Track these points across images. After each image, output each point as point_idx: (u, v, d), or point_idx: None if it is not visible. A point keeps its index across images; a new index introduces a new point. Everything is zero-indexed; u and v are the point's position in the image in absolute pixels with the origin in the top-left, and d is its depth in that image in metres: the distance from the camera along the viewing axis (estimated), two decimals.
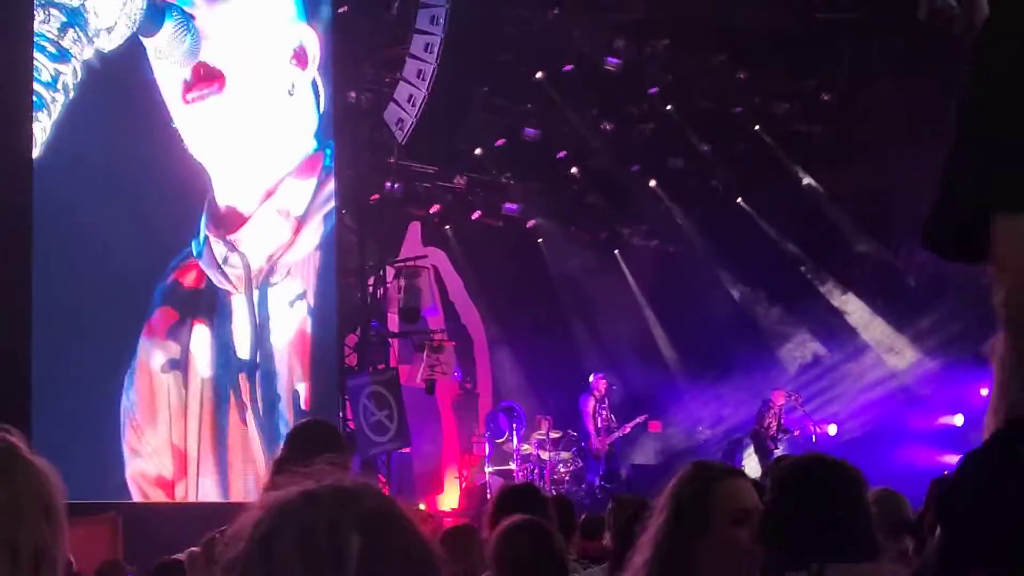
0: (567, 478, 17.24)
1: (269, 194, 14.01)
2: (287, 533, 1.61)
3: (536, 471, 17.18)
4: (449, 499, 18.36)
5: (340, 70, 15.23)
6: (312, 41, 14.57)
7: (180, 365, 12.74)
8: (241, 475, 12.96)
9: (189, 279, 13.05)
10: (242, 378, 13.36)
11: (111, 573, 8.04)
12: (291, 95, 14.35)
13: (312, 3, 14.77)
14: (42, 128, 11.82)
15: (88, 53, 12.33)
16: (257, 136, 13.91)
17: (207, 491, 12.72)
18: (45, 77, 11.92)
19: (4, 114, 11.62)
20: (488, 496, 17.27)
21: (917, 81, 17.34)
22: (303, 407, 13.96)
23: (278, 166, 14.21)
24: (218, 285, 13.34)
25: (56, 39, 12.09)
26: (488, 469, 17.59)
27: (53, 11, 12.11)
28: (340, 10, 15.41)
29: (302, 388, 14.01)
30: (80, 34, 12.30)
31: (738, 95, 20.16)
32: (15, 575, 1.92)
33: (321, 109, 14.73)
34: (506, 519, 4.81)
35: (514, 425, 17.64)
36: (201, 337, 13.00)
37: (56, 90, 12.03)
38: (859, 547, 3.30)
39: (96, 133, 12.36)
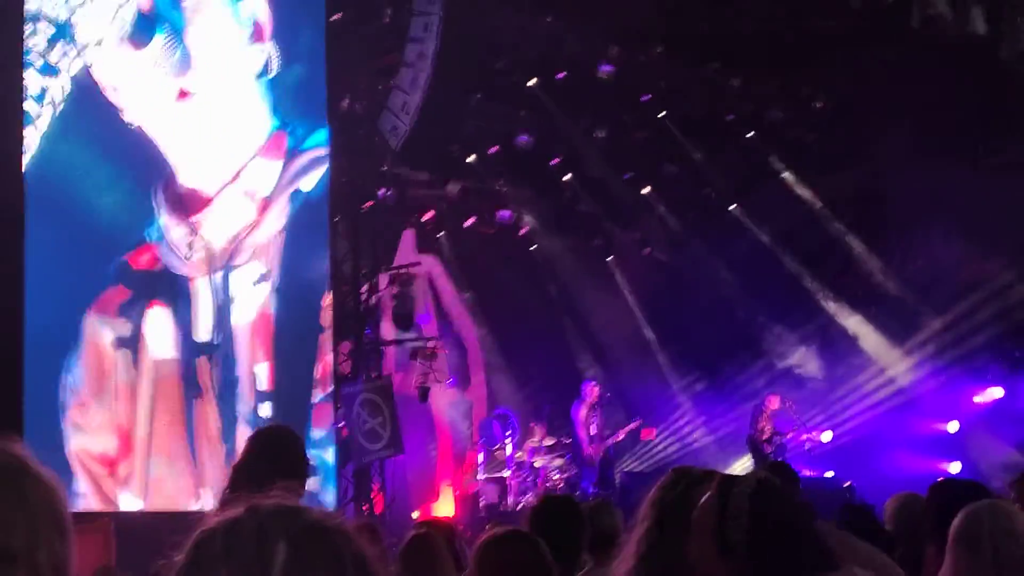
0: (561, 485, 17.23)
1: (234, 176, 13.94)
2: (217, 540, 1.67)
3: (530, 478, 17.17)
4: (444, 507, 18.33)
5: (334, 78, 15.21)
6: (263, 10, 14.44)
7: (130, 344, 12.59)
8: (199, 457, 12.92)
9: (143, 260, 12.95)
10: (202, 361, 13.27)
11: None
12: (260, 78, 14.28)
13: None
14: (29, 141, 11.80)
15: (76, 67, 12.30)
16: (222, 122, 13.84)
17: (158, 471, 12.61)
18: (33, 91, 11.91)
19: None
20: (481, 504, 17.28)
21: (911, 88, 17.37)
22: (264, 388, 13.89)
23: (242, 148, 14.13)
24: (176, 271, 13.27)
25: (43, 53, 12.08)
26: (481, 476, 17.58)
27: (40, 25, 12.09)
28: (333, 17, 15.39)
29: (262, 370, 13.94)
30: (68, 48, 12.28)
31: (731, 102, 20.18)
32: None
33: (272, 71, 14.52)
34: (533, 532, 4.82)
35: (508, 432, 17.64)
36: (156, 319, 12.89)
37: (43, 104, 12.01)
38: (824, 560, 3.26)
39: (84, 146, 12.34)
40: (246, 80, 14.18)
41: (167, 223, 13.17)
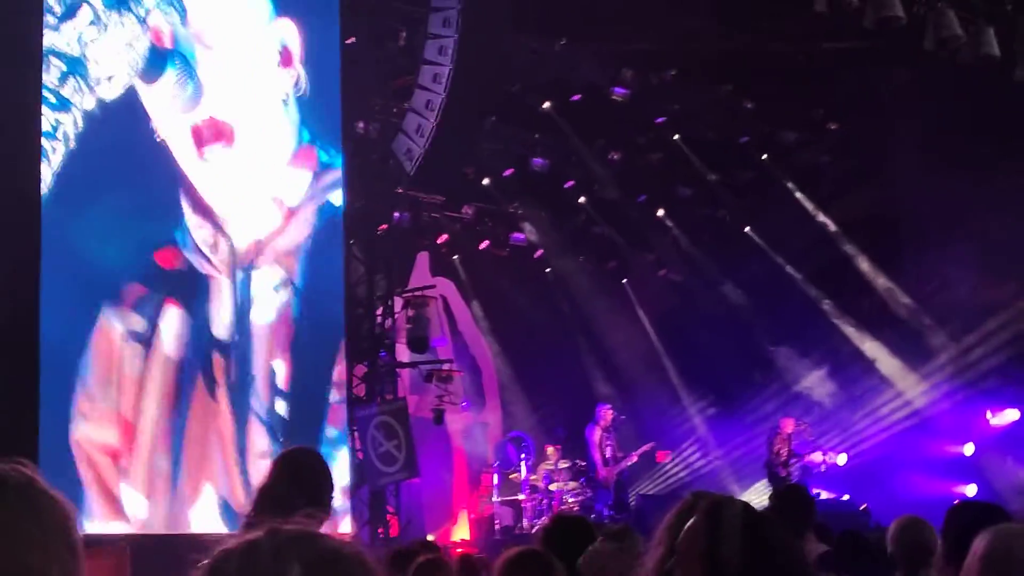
0: (576, 508, 17.20)
1: (261, 183, 14.06)
2: (233, 561, 1.71)
3: (545, 501, 17.15)
4: (460, 530, 18.33)
5: (348, 100, 15.27)
6: (292, 34, 14.48)
7: (142, 339, 12.64)
8: (208, 452, 12.95)
9: (167, 259, 13.06)
10: (216, 357, 13.32)
11: None
12: (286, 104, 14.39)
13: None
14: (43, 177, 11.83)
15: (89, 102, 12.36)
16: (248, 138, 13.94)
17: (163, 466, 12.64)
18: (46, 127, 11.93)
19: (12, 161, 11.65)
20: (496, 527, 17.27)
21: (924, 110, 17.36)
22: (280, 386, 13.95)
23: (269, 159, 14.25)
24: (200, 269, 13.34)
25: (57, 88, 12.11)
26: (496, 499, 17.56)
27: (54, 60, 12.12)
28: (348, 41, 15.46)
29: (280, 367, 14.00)
30: (81, 83, 12.31)
31: (745, 125, 20.20)
32: None
33: (300, 92, 14.62)
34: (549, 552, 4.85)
35: (523, 455, 17.63)
36: (172, 317, 12.94)
37: (56, 140, 12.05)
38: None
39: (98, 179, 12.39)
40: (273, 103, 14.27)
41: (193, 223, 13.27)
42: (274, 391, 13.85)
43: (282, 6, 14.48)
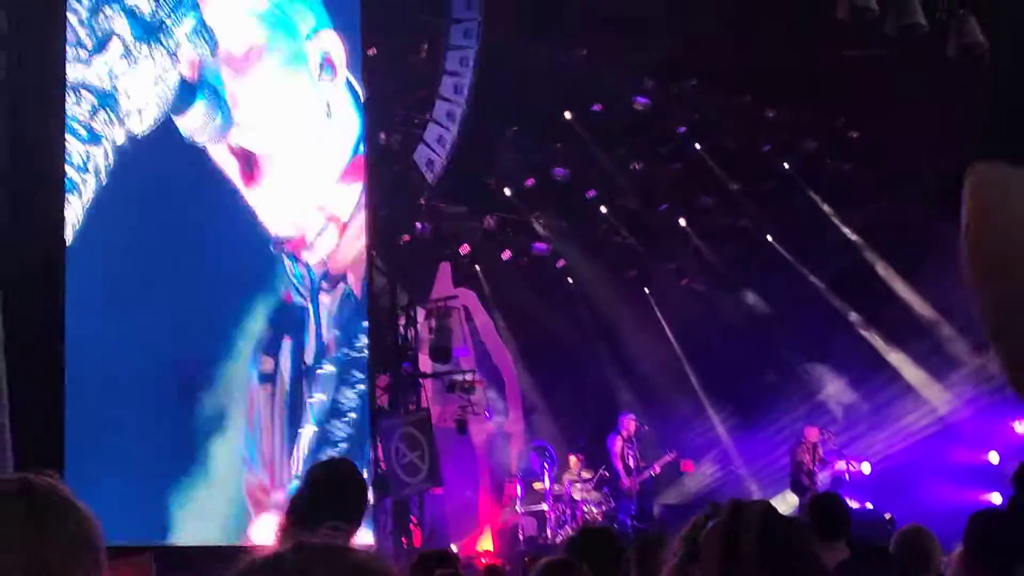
0: (599, 518, 17.19)
1: (319, 205, 14.19)
2: (258, 573, 1.71)
3: (568, 511, 17.14)
4: (484, 540, 18.33)
5: (370, 111, 15.30)
6: (336, 45, 14.55)
7: (271, 378, 13.22)
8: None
9: (285, 299, 13.65)
10: (304, 384, 13.67)
11: None
12: (329, 116, 14.46)
13: (329, 5, 14.73)
14: (74, 210, 11.87)
15: (119, 135, 12.40)
16: (302, 160, 14.08)
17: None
18: (76, 160, 11.95)
19: (38, 194, 11.68)
20: (520, 537, 17.27)
21: (947, 118, 17.28)
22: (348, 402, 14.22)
23: (326, 178, 14.40)
24: (295, 300, 13.65)
25: (87, 121, 12.15)
26: (520, 509, 17.56)
27: (84, 93, 12.17)
28: (369, 52, 15.49)
29: (347, 384, 14.26)
30: (111, 116, 12.35)
31: (767, 133, 20.17)
32: None
33: (362, 99, 14.75)
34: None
35: (546, 465, 17.62)
36: (286, 351, 13.46)
37: (87, 172, 12.09)
38: None
39: (128, 214, 12.43)
40: (316, 119, 14.34)
41: (283, 259, 13.54)
42: (343, 408, 14.09)
43: (324, 20, 14.55)
